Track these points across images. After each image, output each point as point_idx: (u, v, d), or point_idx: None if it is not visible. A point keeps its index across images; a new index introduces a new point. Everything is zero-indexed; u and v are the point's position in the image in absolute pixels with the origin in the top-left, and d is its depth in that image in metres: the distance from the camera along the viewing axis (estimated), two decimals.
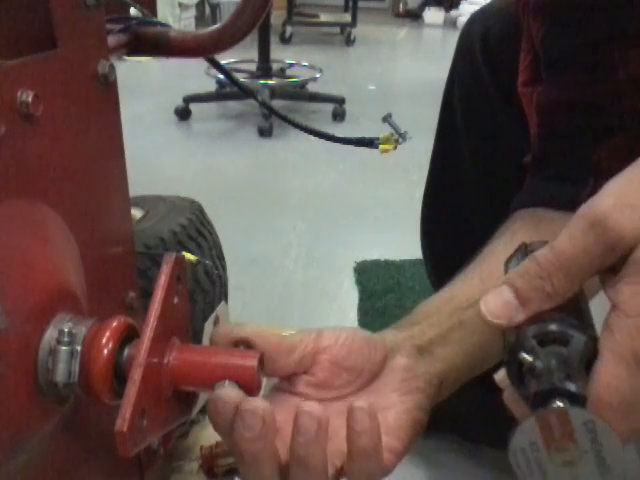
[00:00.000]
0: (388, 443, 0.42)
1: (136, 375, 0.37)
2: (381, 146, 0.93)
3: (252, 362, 0.40)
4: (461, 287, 0.54)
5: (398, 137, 0.94)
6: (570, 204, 0.57)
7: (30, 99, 0.38)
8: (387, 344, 0.47)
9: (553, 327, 0.33)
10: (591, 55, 0.58)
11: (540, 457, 0.31)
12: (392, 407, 0.45)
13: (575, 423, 0.29)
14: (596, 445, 0.29)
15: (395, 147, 0.94)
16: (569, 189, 0.59)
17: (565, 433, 0.29)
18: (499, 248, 0.57)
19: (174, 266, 0.42)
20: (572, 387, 0.30)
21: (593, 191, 0.55)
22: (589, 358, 0.32)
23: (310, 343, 0.44)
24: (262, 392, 0.42)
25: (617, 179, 0.34)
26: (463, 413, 1.04)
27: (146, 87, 3.32)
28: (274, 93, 2.80)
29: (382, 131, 0.95)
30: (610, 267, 0.33)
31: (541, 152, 0.64)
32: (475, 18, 0.87)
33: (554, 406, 0.29)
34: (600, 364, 0.32)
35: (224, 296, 0.93)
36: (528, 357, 0.32)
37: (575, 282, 0.34)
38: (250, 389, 0.40)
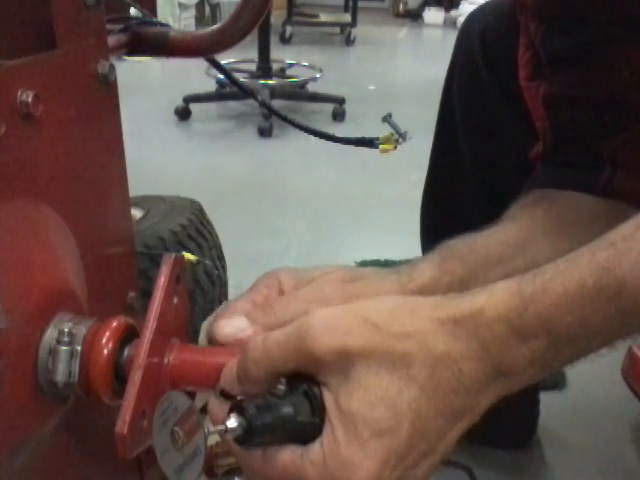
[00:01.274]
0: None
1: (136, 377, 0.37)
2: (381, 146, 0.93)
3: None
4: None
5: (398, 137, 0.93)
6: (586, 186, 0.58)
7: (30, 99, 0.38)
8: None
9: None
10: (593, 54, 0.58)
11: (169, 418, 0.35)
12: None
13: (195, 439, 0.35)
14: (188, 460, 0.36)
15: (395, 147, 0.93)
16: (585, 173, 0.59)
17: (189, 432, 0.35)
18: (523, 221, 0.57)
19: (173, 266, 0.42)
20: (257, 425, 0.35)
21: (611, 177, 0.56)
22: (311, 434, 0.36)
23: None
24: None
25: (344, 305, 0.38)
26: None
27: (146, 87, 3.31)
28: (274, 93, 2.80)
29: (382, 131, 0.95)
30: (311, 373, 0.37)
31: (553, 142, 0.64)
32: (473, 16, 0.87)
33: (202, 420, 0.35)
34: (298, 450, 0.36)
35: (224, 296, 0.93)
36: (282, 388, 0.37)
37: (273, 376, 0.37)
38: None
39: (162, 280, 0.41)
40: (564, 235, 0.56)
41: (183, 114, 2.75)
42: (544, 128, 0.64)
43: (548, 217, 0.58)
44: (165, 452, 0.36)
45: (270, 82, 2.90)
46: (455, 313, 0.36)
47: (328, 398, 0.36)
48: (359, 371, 0.35)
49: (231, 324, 0.43)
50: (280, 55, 3.57)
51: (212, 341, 0.43)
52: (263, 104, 1.33)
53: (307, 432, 0.36)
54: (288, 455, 0.37)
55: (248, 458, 0.38)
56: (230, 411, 0.35)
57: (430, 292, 0.48)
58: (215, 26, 0.71)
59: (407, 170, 2.03)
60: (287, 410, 0.36)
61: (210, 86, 2.91)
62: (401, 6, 6.24)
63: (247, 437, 0.35)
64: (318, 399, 0.36)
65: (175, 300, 0.43)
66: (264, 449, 0.37)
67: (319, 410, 0.36)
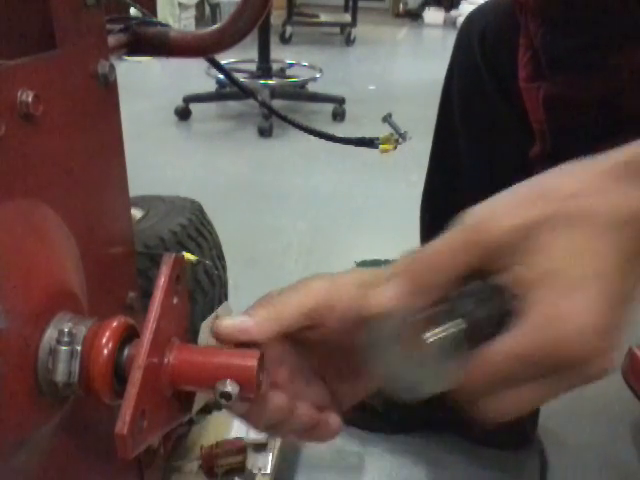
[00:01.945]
0: None
1: (136, 377, 0.37)
2: (381, 146, 0.93)
3: (252, 362, 0.40)
4: None
5: (398, 137, 0.94)
6: None
7: (30, 99, 0.38)
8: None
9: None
10: (593, 55, 0.58)
11: (389, 342, 0.37)
12: None
13: (436, 343, 0.36)
14: (439, 363, 0.36)
15: (395, 147, 0.94)
16: None
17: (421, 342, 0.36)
18: None
19: (173, 266, 0.42)
20: (466, 329, 0.36)
21: None
22: (503, 324, 0.36)
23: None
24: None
25: (502, 193, 0.38)
26: (463, 413, 1.04)
27: (146, 87, 3.32)
28: (274, 93, 2.80)
29: (382, 131, 0.95)
30: (484, 266, 0.37)
31: (552, 144, 0.64)
32: (473, 16, 0.87)
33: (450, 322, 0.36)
34: (503, 338, 0.35)
35: (224, 296, 0.93)
36: (463, 292, 0.37)
37: (449, 280, 0.37)
38: (250, 389, 0.40)
39: (162, 280, 0.41)
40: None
41: (183, 114, 2.76)
42: (543, 130, 0.64)
43: None
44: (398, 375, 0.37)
45: (270, 82, 2.91)
46: (617, 161, 0.36)
47: (518, 276, 0.35)
48: (544, 236, 0.35)
49: (232, 319, 0.43)
50: (280, 55, 3.57)
51: (216, 339, 0.43)
52: (263, 104, 1.33)
53: (503, 324, 0.36)
54: (506, 342, 0.36)
55: (475, 364, 0.36)
56: (444, 319, 0.36)
57: None
58: (215, 26, 0.71)
59: (407, 170, 2.04)
60: (486, 305, 0.36)
61: (210, 86, 2.91)
62: (401, 6, 6.24)
63: (470, 336, 0.36)
64: (503, 286, 0.36)
65: (175, 300, 0.43)
66: (481, 348, 0.36)
67: (509, 296, 0.36)
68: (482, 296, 0.37)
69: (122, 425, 0.36)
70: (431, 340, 0.36)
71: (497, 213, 0.36)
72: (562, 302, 0.34)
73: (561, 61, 0.61)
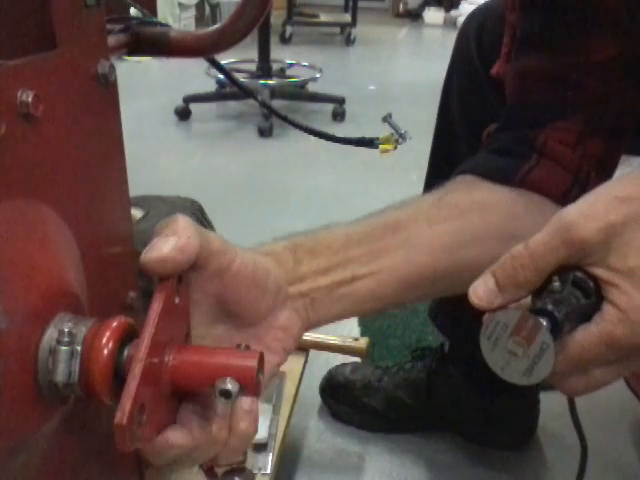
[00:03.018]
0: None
1: (137, 369, 0.37)
2: (381, 146, 0.93)
3: (252, 362, 0.40)
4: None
5: (398, 137, 0.94)
6: (503, 178, 0.60)
7: (30, 99, 0.38)
8: (278, 291, 0.49)
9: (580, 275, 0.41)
10: (557, 37, 0.60)
11: (501, 335, 0.41)
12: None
13: (539, 337, 0.39)
14: (536, 359, 0.40)
15: (395, 147, 0.94)
16: (509, 162, 0.61)
17: (529, 337, 0.40)
18: (425, 202, 0.60)
19: None
20: (561, 319, 0.40)
21: (533, 166, 0.58)
22: (588, 315, 0.41)
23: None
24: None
25: (591, 192, 0.42)
26: (463, 413, 1.04)
27: (146, 87, 3.32)
28: (274, 93, 2.80)
29: (382, 131, 0.95)
30: (573, 263, 0.41)
31: (499, 125, 0.66)
32: (472, 17, 0.87)
33: (540, 319, 0.39)
34: (590, 326, 0.41)
35: None
36: (557, 284, 0.41)
37: (542, 275, 0.41)
38: (250, 389, 0.40)
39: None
40: (444, 219, 0.57)
41: (183, 114, 2.76)
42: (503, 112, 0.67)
43: (437, 201, 0.60)
44: (506, 365, 0.41)
45: (270, 82, 2.91)
46: None
47: (602, 272, 0.40)
48: (627, 236, 0.39)
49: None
50: (280, 55, 3.57)
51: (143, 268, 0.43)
52: (263, 104, 1.33)
53: (588, 314, 0.41)
54: (588, 331, 0.40)
55: (570, 350, 0.41)
56: (536, 314, 0.40)
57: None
58: (215, 26, 0.71)
59: (407, 170, 2.04)
60: (571, 299, 0.40)
61: (210, 86, 2.91)
62: (401, 6, 6.24)
63: (555, 330, 0.39)
64: (587, 281, 0.41)
65: (177, 300, 0.43)
66: (565, 339, 0.41)
67: (592, 290, 0.41)
68: (562, 295, 0.41)
69: (121, 415, 0.36)
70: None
71: (588, 214, 0.40)
72: None
73: (527, 41, 0.63)
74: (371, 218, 0.57)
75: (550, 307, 0.40)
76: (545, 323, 0.39)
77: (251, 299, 0.47)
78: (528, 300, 0.43)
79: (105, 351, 0.39)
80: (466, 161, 0.66)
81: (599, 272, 0.40)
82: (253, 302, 0.47)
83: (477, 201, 0.59)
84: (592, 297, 0.41)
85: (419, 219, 0.56)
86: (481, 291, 0.42)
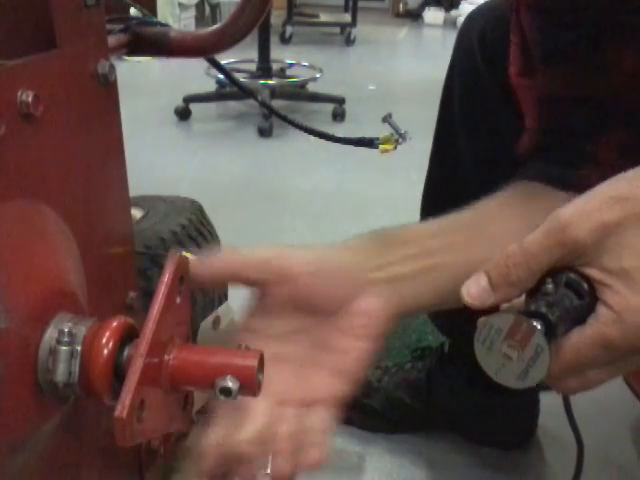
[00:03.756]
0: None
1: (137, 364, 0.37)
2: (381, 146, 0.93)
3: (252, 362, 0.40)
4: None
5: (398, 137, 0.94)
6: (563, 181, 0.60)
7: (30, 99, 0.38)
8: (356, 280, 0.51)
9: (572, 276, 0.41)
10: (590, 51, 0.58)
11: (495, 339, 0.40)
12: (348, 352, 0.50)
13: (533, 341, 0.39)
14: (531, 362, 0.39)
15: (395, 147, 0.94)
16: (566, 170, 0.61)
17: (523, 340, 0.39)
18: (491, 206, 0.61)
19: (178, 266, 0.42)
20: (554, 322, 0.39)
21: (590, 174, 0.58)
22: (582, 316, 0.41)
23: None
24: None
25: (587, 192, 0.41)
26: (463, 413, 1.04)
27: (146, 87, 3.31)
28: (274, 93, 2.80)
29: (382, 131, 0.95)
30: (567, 263, 0.41)
31: (543, 143, 0.65)
32: (473, 16, 0.87)
33: (533, 323, 0.39)
34: (584, 328, 0.40)
35: (224, 296, 0.93)
36: (550, 286, 0.41)
37: (536, 275, 0.41)
38: (250, 389, 0.40)
39: (166, 277, 0.41)
40: (519, 216, 0.58)
41: (183, 114, 2.75)
42: (534, 129, 0.65)
43: (510, 204, 0.60)
44: (501, 369, 0.41)
45: (270, 82, 2.90)
46: None
47: (595, 273, 0.40)
48: (621, 237, 0.39)
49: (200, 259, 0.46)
50: (280, 55, 3.57)
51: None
52: (263, 104, 1.33)
53: (582, 315, 0.41)
54: (582, 334, 0.40)
55: (566, 351, 0.41)
56: (530, 316, 0.39)
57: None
58: (215, 26, 0.71)
59: (407, 170, 2.04)
60: (565, 301, 0.40)
61: (210, 86, 2.91)
62: (401, 6, 6.24)
63: (549, 333, 0.39)
64: (581, 282, 0.41)
65: (178, 300, 0.43)
66: (560, 341, 0.41)
67: (585, 291, 0.40)
68: (555, 297, 0.40)
69: (121, 409, 0.36)
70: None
71: (582, 214, 0.40)
72: (635, 295, 0.38)
73: (557, 55, 0.61)
74: (444, 219, 0.60)
75: (544, 310, 0.40)
76: (539, 326, 0.39)
77: (322, 293, 0.49)
78: (521, 300, 0.42)
79: (105, 351, 0.39)
80: (519, 173, 0.67)
81: (593, 273, 0.40)
82: (325, 295, 0.49)
83: (542, 206, 0.59)
84: (585, 298, 0.41)
85: (493, 217, 0.59)
86: (474, 290, 0.42)
